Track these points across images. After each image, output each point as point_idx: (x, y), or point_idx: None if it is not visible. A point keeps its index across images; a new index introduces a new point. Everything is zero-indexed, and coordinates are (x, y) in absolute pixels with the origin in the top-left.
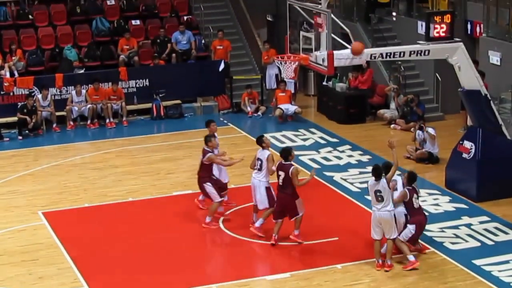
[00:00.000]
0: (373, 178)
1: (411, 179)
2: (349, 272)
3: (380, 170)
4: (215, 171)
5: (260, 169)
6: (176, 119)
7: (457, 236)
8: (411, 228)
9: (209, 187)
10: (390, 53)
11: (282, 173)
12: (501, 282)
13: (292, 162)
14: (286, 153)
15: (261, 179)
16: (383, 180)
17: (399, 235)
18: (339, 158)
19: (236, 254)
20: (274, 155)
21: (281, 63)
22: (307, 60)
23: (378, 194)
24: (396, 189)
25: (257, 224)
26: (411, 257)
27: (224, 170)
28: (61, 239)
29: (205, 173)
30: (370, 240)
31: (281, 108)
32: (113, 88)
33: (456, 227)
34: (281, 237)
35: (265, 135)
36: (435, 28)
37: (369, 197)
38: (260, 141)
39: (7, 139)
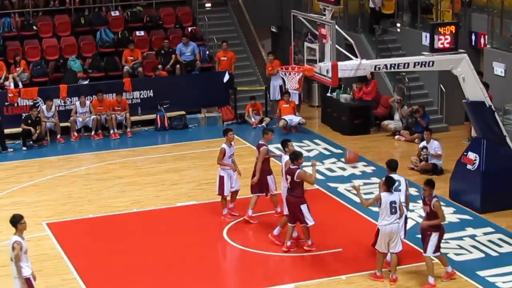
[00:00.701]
0: (385, 189)
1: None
2: (353, 283)
3: (393, 180)
4: (226, 178)
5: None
6: (180, 130)
7: (461, 247)
8: (436, 237)
9: (270, 179)
10: (395, 64)
11: (289, 177)
12: None
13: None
14: (295, 156)
15: (285, 185)
16: (397, 192)
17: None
18: (343, 169)
19: (240, 265)
20: (275, 166)
21: (285, 74)
22: (312, 71)
23: (393, 205)
24: (399, 190)
25: (275, 232)
26: (431, 279)
27: (235, 177)
28: (66, 250)
29: (266, 166)
30: (374, 250)
31: (285, 119)
32: (117, 99)
33: (460, 238)
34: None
35: (271, 145)
36: (439, 40)
37: (376, 209)
38: (284, 145)
39: (11, 150)
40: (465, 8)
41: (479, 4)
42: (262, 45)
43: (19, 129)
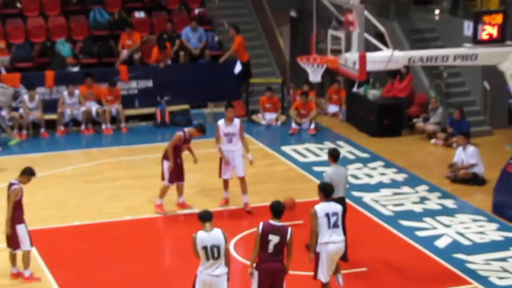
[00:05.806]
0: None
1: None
2: None
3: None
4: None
5: None
6: (183, 127)
7: (505, 270)
8: None
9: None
10: (432, 57)
11: None
12: None
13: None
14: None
15: None
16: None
17: None
18: (370, 176)
19: (247, 282)
20: (290, 170)
21: (307, 65)
22: (336, 63)
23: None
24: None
25: None
26: None
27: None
28: (47, 262)
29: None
30: (403, 270)
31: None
32: (109, 87)
33: (504, 259)
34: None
35: (283, 147)
36: (484, 30)
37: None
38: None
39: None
40: None
41: None
42: (279, 31)
43: None
